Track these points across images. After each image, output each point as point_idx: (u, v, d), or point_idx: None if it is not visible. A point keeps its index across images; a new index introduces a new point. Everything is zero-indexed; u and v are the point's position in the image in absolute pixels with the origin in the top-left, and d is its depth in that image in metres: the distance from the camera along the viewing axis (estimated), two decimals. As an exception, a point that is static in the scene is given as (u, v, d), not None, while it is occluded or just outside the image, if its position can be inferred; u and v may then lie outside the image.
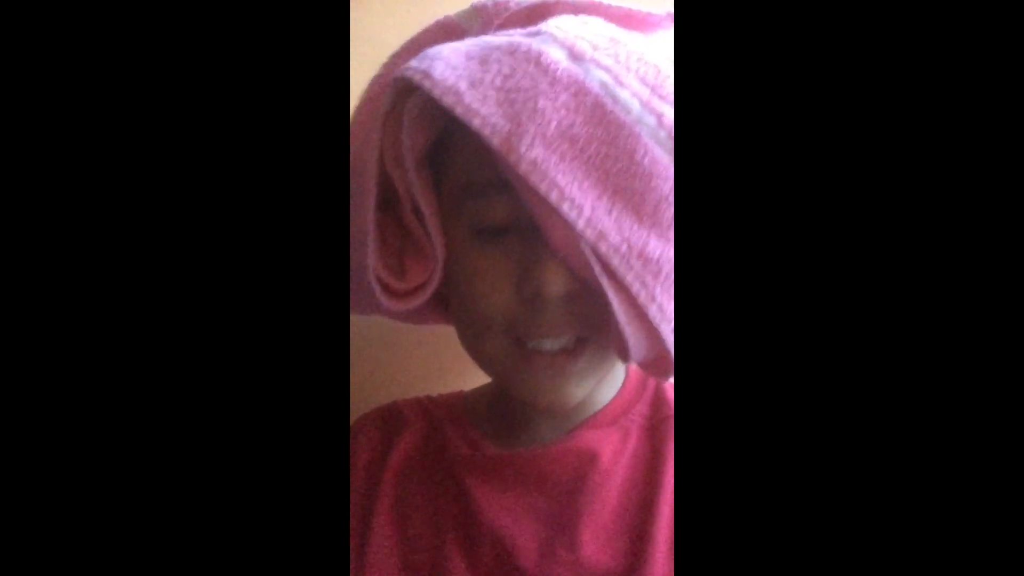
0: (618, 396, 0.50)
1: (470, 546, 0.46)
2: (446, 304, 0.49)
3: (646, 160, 0.36)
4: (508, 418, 0.51)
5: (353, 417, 0.57)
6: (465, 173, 0.41)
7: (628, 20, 0.42)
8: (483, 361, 0.45)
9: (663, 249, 0.37)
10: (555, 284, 0.38)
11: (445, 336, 0.52)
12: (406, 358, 0.67)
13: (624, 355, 0.40)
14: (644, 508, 0.45)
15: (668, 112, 0.36)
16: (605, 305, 0.37)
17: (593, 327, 0.40)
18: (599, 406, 0.49)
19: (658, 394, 0.51)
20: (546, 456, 0.47)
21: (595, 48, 0.37)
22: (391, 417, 0.55)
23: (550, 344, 0.41)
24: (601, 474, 0.46)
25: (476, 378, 0.54)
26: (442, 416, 0.53)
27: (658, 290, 0.37)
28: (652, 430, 0.48)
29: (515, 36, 0.38)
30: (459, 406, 0.54)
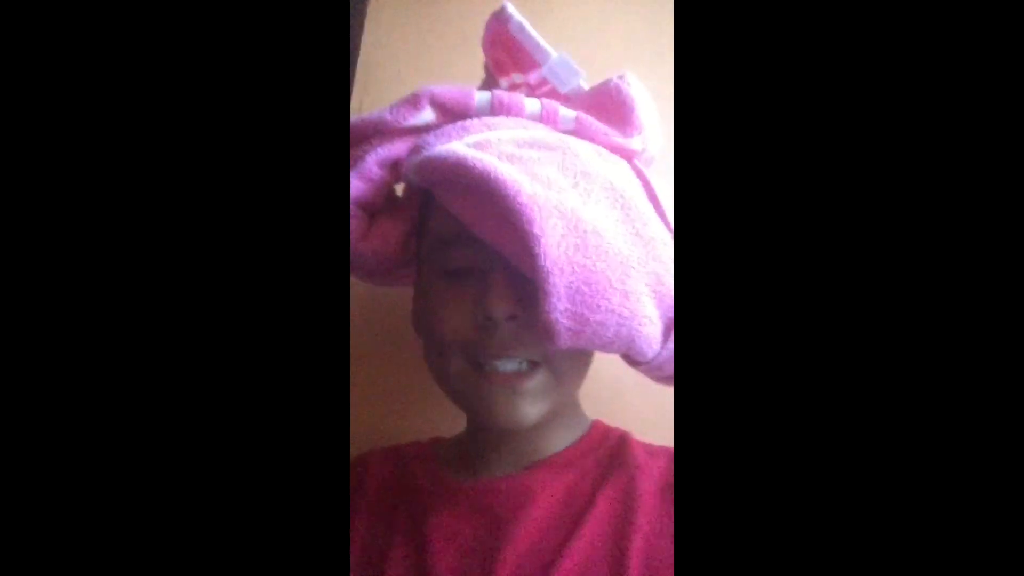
0: (577, 442, 0.54)
1: (406, 569, 0.50)
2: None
3: None
4: (470, 454, 0.55)
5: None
6: (440, 228, 0.50)
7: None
8: (446, 384, 0.51)
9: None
10: (501, 307, 0.45)
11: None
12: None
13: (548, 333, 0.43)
14: (556, 550, 0.47)
15: None
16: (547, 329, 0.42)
17: (541, 352, 0.47)
18: (557, 448, 0.53)
19: (621, 445, 0.53)
20: (488, 488, 0.51)
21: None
22: (359, 466, 0.60)
23: (503, 365, 0.47)
24: (531, 513, 0.49)
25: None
26: (410, 456, 0.59)
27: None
28: (600, 478, 0.50)
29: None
30: (430, 448, 0.60)
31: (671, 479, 0.49)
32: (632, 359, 0.48)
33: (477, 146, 0.46)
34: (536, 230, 0.40)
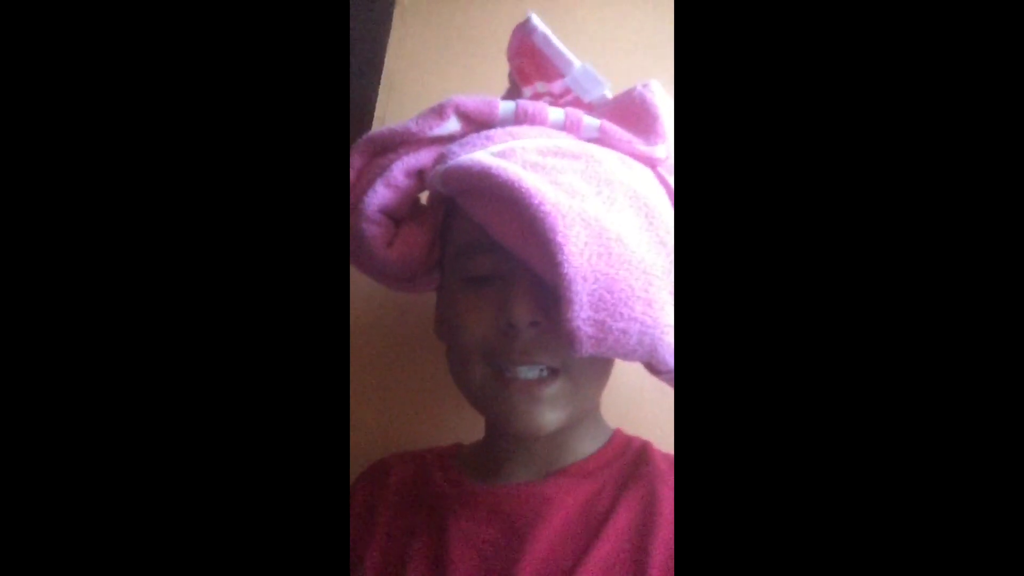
0: (598, 452, 0.53)
1: (425, 574, 0.50)
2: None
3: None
4: (490, 460, 0.55)
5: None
6: (463, 235, 0.51)
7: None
8: (467, 390, 0.51)
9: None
10: (523, 314, 0.45)
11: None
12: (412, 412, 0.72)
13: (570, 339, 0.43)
14: (576, 559, 0.47)
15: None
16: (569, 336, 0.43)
17: (561, 359, 0.48)
18: (578, 457, 0.53)
19: (642, 454, 0.53)
20: (508, 495, 0.51)
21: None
22: (381, 468, 0.62)
23: (525, 372, 0.48)
24: (551, 521, 0.48)
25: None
26: (431, 461, 0.59)
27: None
28: (620, 488, 0.50)
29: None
30: (450, 453, 0.60)
31: None
32: (653, 368, 0.48)
33: (501, 155, 0.46)
34: (559, 238, 0.41)
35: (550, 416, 0.48)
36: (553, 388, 0.48)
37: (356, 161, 0.53)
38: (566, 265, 0.40)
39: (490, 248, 0.47)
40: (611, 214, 0.44)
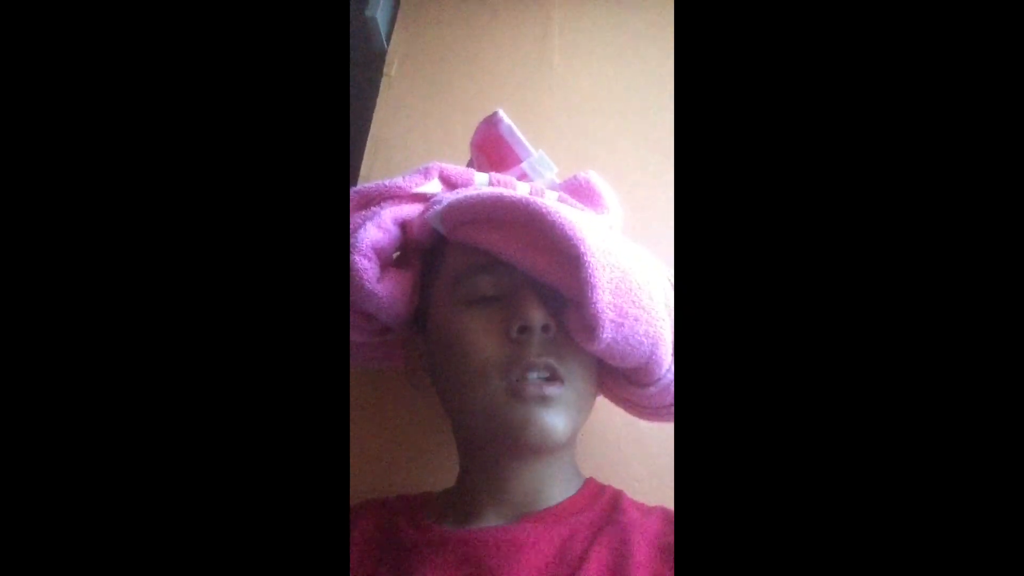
0: (571, 498, 0.54)
1: None
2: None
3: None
4: (462, 504, 0.55)
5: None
6: (459, 263, 0.55)
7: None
8: (477, 409, 0.51)
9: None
10: (537, 315, 0.50)
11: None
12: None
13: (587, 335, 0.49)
14: None
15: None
16: (570, 341, 0.50)
17: (568, 366, 0.51)
18: (551, 503, 0.53)
19: (615, 502, 0.53)
20: (477, 539, 0.50)
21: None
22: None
23: (535, 375, 0.50)
24: (523, 567, 0.47)
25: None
26: (397, 508, 0.58)
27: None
28: (593, 535, 0.49)
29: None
30: (419, 500, 0.59)
31: (665, 539, 0.49)
32: (641, 379, 0.53)
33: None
34: (579, 234, 0.47)
35: (560, 423, 0.49)
36: (561, 391, 0.50)
37: None
38: (588, 255, 0.46)
39: (491, 269, 0.52)
40: (609, 229, 0.51)
